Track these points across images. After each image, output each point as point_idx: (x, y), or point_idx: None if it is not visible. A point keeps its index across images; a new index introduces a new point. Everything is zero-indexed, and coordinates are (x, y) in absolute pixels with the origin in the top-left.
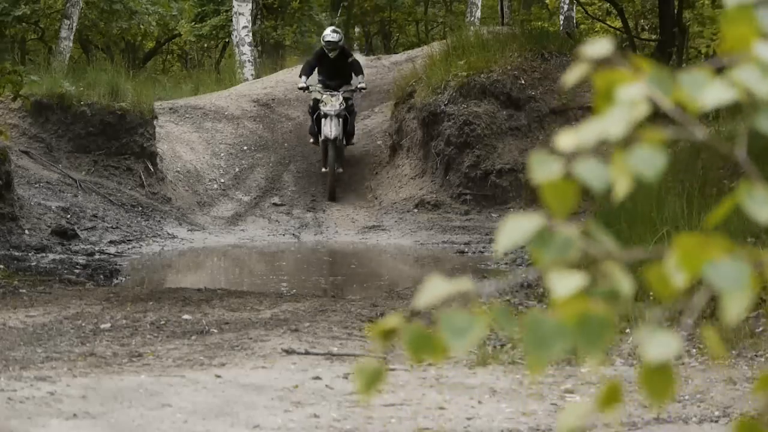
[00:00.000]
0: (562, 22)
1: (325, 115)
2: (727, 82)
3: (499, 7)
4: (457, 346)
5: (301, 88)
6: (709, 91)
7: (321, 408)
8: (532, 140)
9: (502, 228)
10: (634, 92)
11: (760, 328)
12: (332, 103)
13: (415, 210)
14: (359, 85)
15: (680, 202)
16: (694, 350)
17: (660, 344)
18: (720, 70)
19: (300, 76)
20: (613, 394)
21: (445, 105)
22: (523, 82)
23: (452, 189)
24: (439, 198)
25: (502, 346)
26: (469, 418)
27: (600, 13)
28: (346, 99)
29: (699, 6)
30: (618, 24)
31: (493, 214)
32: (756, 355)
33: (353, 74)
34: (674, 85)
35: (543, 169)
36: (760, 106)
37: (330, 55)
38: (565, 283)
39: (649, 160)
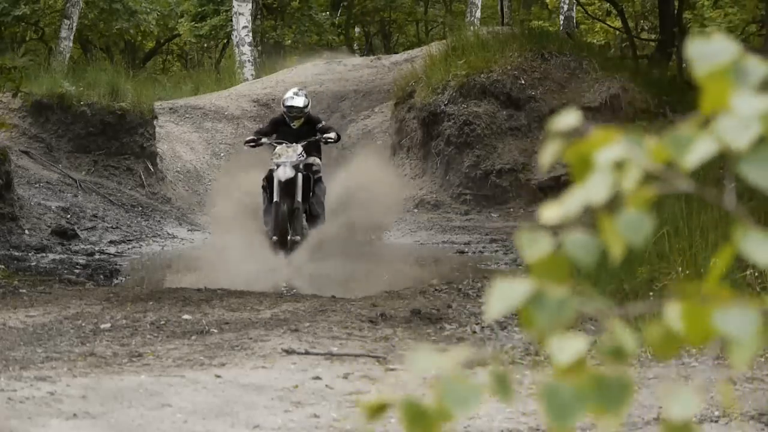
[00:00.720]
0: (562, 22)
1: (278, 166)
2: (709, 136)
3: (499, 7)
4: (459, 414)
5: (249, 142)
6: (693, 151)
7: (321, 408)
8: (532, 140)
9: (491, 293)
10: (612, 154)
11: None
12: (288, 153)
13: (415, 210)
14: (326, 136)
15: (679, 203)
16: (694, 350)
17: (682, 403)
18: (706, 123)
19: (246, 143)
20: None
21: (445, 105)
22: (523, 82)
23: (452, 189)
24: (439, 198)
25: (502, 346)
26: (469, 418)
27: (600, 13)
28: (308, 152)
29: (699, 6)
30: (618, 24)
31: (493, 214)
32: (755, 355)
33: (324, 143)
34: (656, 144)
35: (533, 248)
36: (741, 156)
37: (292, 125)
38: (567, 349)
39: (635, 226)
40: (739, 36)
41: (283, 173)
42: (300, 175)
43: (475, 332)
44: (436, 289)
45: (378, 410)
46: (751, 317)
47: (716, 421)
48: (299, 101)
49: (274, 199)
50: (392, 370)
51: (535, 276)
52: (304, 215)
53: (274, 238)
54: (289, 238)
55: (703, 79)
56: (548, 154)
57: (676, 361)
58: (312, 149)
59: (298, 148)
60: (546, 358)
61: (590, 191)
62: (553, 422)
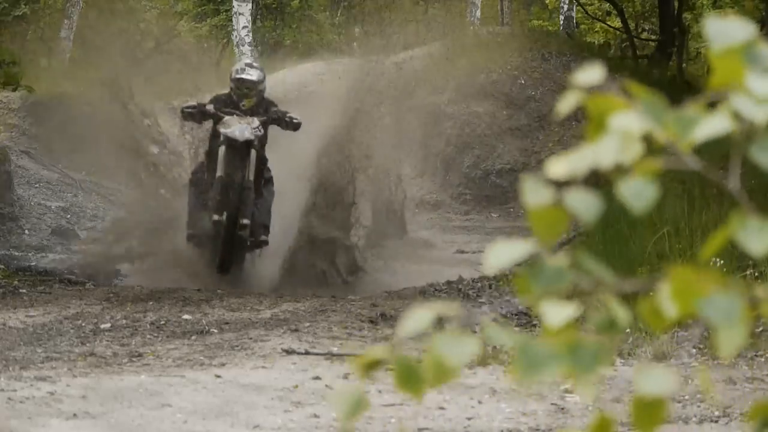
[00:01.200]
0: (562, 22)
1: (227, 143)
2: (721, 113)
3: (499, 7)
4: (454, 363)
5: (188, 108)
6: (701, 126)
7: (321, 408)
8: (532, 140)
9: (490, 249)
10: (626, 121)
11: (760, 328)
12: (242, 125)
13: (415, 210)
14: (291, 116)
15: (681, 202)
16: (694, 350)
17: (655, 380)
18: (713, 105)
19: (184, 109)
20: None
21: (445, 105)
22: (523, 82)
23: (452, 189)
24: (439, 198)
25: (502, 345)
26: (469, 418)
27: (600, 13)
28: (262, 130)
29: (699, 6)
30: (618, 24)
31: (493, 214)
32: (756, 355)
33: (286, 125)
34: (667, 117)
35: (534, 195)
36: (755, 136)
37: (241, 105)
38: (557, 313)
39: (639, 193)
40: None
41: (240, 133)
42: (253, 155)
43: (474, 332)
44: (436, 289)
45: (371, 367)
46: (736, 304)
47: (716, 421)
48: (253, 74)
49: (219, 173)
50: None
51: (532, 223)
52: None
53: (216, 217)
54: (240, 222)
55: (717, 57)
56: (566, 104)
57: (675, 360)
58: (265, 139)
59: (255, 121)
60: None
61: (599, 153)
62: (520, 373)
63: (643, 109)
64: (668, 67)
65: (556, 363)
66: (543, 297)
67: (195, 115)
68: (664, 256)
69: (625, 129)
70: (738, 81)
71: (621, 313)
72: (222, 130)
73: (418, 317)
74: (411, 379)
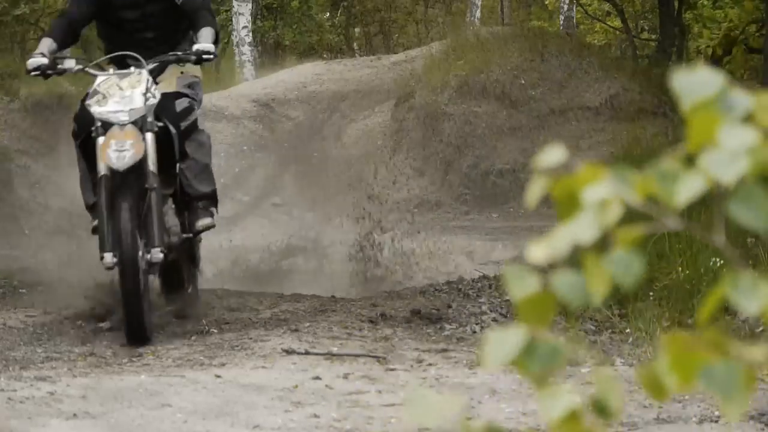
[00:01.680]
0: (562, 22)
1: (104, 127)
2: (696, 173)
3: (499, 7)
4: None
5: (35, 69)
6: (681, 189)
7: (321, 408)
8: (532, 140)
9: (487, 343)
10: (600, 192)
11: (760, 328)
12: (123, 94)
13: (415, 210)
14: (200, 48)
15: None
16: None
17: (556, 402)
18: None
19: (39, 47)
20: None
21: (445, 105)
22: (523, 82)
23: (452, 189)
24: (439, 198)
25: None
26: (469, 419)
27: (600, 14)
28: (161, 71)
29: (699, 6)
30: (618, 24)
31: (493, 214)
32: (746, 409)
33: (196, 36)
34: (643, 180)
35: (520, 285)
36: (732, 192)
37: None
38: (556, 405)
39: (625, 266)
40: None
41: (117, 159)
42: (149, 140)
43: (475, 332)
44: (436, 289)
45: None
46: (736, 372)
47: (716, 421)
48: None
49: (101, 199)
50: (392, 370)
51: (522, 314)
52: (171, 207)
53: (108, 259)
54: (142, 258)
55: (690, 112)
56: (535, 191)
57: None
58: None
59: (142, 76)
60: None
61: (578, 230)
62: None
63: (613, 177)
64: (668, 67)
65: None
66: (540, 378)
67: (46, 74)
68: (664, 256)
69: (600, 199)
70: (711, 136)
71: (614, 398)
72: (93, 109)
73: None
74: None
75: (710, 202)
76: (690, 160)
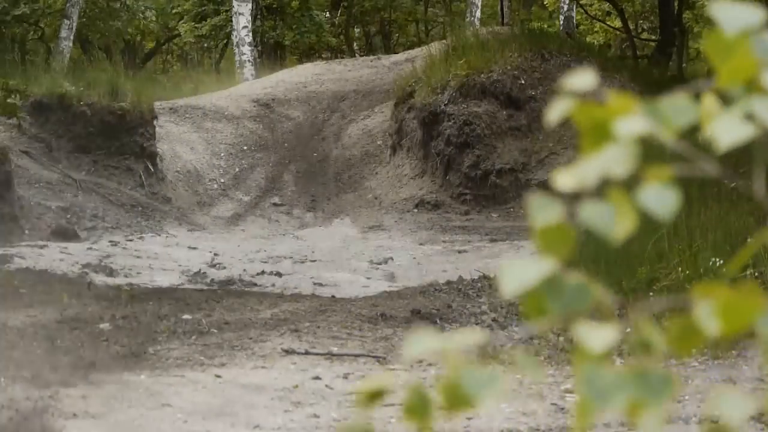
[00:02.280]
0: (562, 22)
1: None
2: (739, 115)
3: (499, 7)
4: (483, 398)
5: None
6: (723, 129)
7: (321, 408)
8: (532, 140)
9: (505, 270)
10: (634, 126)
11: None
12: None
13: (415, 210)
14: None
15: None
16: (694, 350)
17: (733, 406)
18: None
19: None
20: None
21: (445, 105)
22: (523, 82)
23: (452, 189)
24: (439, 198)
25: (502, 346)
26: (469, 418)
27: (600, 14)
28: None
29: (699, 6)
30: (618, 24)
31: (493, 214)
32: (756, 355)
33: None
34: (675, 116)
35: (543, 214)
36: None
37: None
38: (599, 338)
39: (662, 199)
40: None
41: None
42: None
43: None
44: (436, 289)
45: (375, 396)
46: None
47: (716, 422)
48: None
49: None
50: (392, 370)
51: (540, 245)
52: None
53: None
54: None
55: (724, 45)
56: (556, 111)
57: (675, 361)
58: None
59: None
60: (546, 359)
61: (610, 163)
62: (588, 402)
63: (647, 111)
64: (668, 67)
65: (625, 391)
66: (564, 318)
67: None
68: (664, 256)
69: (634, 132)
70: (751, 75)
71: (656, 335)
72: None
73: (420, 342)
74: (423, 409)
75: (748, 150)
76: (722, 97)
